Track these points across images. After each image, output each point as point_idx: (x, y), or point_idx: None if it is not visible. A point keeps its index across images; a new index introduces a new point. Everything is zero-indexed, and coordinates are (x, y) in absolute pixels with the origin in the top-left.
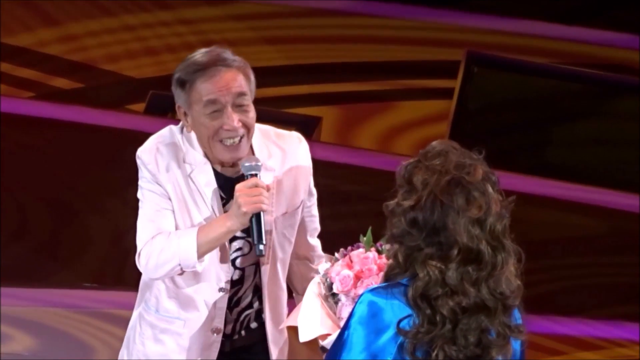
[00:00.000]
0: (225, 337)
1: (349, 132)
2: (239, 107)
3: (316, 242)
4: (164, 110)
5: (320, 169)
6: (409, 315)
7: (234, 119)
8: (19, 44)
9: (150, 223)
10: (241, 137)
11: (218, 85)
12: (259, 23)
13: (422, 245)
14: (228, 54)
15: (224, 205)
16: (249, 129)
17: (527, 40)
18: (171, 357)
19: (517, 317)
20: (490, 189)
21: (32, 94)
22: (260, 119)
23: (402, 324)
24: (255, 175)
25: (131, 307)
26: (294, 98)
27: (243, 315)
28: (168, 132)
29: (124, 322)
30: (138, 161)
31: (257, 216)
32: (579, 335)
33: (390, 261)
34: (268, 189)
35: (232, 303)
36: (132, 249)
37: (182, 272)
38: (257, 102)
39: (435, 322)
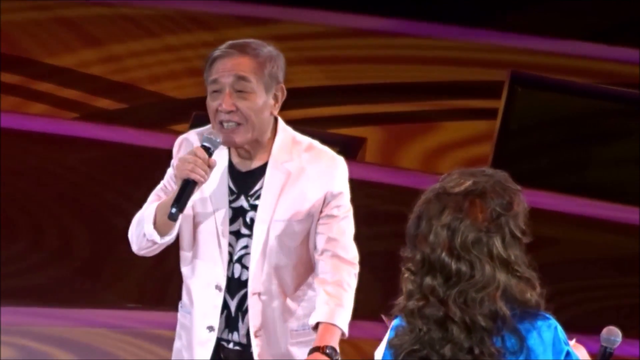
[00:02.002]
0: (242, 346)
1: (393, 152)
2: (238, 92)
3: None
4: None
5: (364, 189)
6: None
7: (228, 101)
8: (62, 65)
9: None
10: (238, 124)
11: (224, 67)
12: (301, 43)
13: (406, 258)
14: (255, 44)
15: (233, 200)
16: (246, 118)
17: (571, 60)
18: (183, 352)
19: (510, 341)
20: (476, 202)
21: (75, 115)
22: None
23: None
24: (207, 148)
25: (172, 327)
26: (337, 119)
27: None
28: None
29: (165, 342)
30: None
31: (186, 182)
32: (623, 355)
33: None
34: (209, 164)
35: (244, 308)
36: (175, 269)
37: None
38: (301, 122)
39: (411, 331)
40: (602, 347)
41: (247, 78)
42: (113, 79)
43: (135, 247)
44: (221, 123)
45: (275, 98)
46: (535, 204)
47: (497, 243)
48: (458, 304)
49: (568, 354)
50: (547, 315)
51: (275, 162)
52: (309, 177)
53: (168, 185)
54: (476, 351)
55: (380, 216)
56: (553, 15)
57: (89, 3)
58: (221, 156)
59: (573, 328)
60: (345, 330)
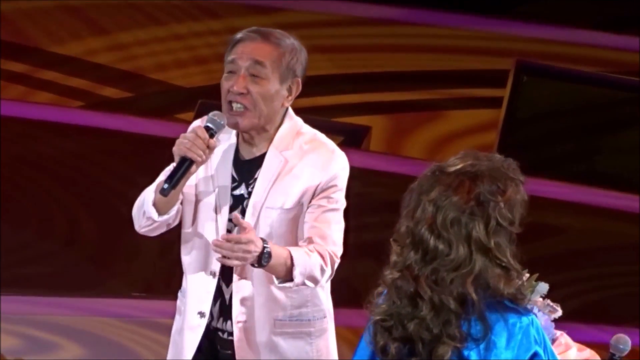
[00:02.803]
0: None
1: (398, 141)
2: (252, 76)
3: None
4: None
5: (369, 178)
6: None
7: (240, 83)
8: (68, 53)
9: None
10: (246, 107)
11: (243, 50)
12: (309, 32)
13: (396, 230)
14: (280, 34)
15: (234, 187)
16: (255, 102)
17: (576, 48)
18: (175, 336)
19: (476, 328)
20: (466, 182)
21: (81, 103)
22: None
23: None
24: (208, 129)
25: None
26: (343, 107)
27: None
28: None
29: (170, 331)
30: None
31: (183, 160)
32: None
33: None
34: (208, 144)
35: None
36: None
37: (154, 224)
38: (306, 111)
39: (387, 302)
40: (610, 354)
41: (263, 63)
42: (119, 67)
43: (136, 225)
44: (230, 103)
45: (289, 90)
46: (541, 192)
47: (479, 227)
48: (429, 282)
49: (536, 354)
50: (524, 311)
51: (275, 150)
52: (304, 167)
53: None
54: (435, 330)
55: (384, 205)
56: (559, 3)
57: None
58: (229, 144)
59: (581, 317)
60: (296, 272)
